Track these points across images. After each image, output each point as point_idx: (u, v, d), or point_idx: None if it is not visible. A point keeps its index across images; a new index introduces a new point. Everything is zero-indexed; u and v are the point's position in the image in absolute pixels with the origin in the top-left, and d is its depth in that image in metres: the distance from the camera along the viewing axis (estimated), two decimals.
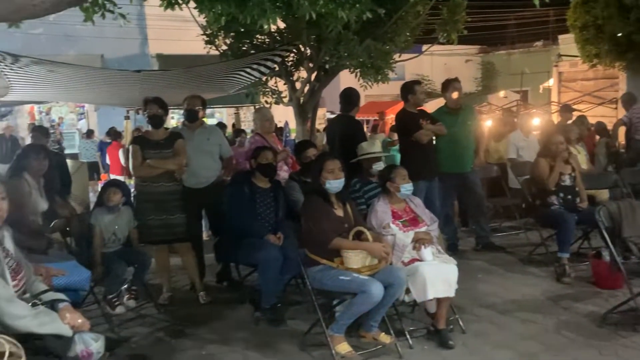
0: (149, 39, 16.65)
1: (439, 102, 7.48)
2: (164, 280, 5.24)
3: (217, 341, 4.26)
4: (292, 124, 10.91)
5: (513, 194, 7.00)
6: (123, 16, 5.35)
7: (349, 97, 5.78)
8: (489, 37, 24.69)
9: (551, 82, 18.44)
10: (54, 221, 4.54)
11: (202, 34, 7.67)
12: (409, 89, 5.84)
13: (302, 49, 7.68)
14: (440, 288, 3.88)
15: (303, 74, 8.12)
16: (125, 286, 4.86)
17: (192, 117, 5.27)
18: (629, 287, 4.31)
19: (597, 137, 9.07)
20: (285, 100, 8.45)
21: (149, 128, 5.17)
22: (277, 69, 7.88)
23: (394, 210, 4.22)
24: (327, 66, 7.89)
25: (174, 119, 14.72)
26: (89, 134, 14.36)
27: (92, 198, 9.01)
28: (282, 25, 7.26)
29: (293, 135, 11.13)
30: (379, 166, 4.88)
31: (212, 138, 5.33)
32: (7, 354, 2.22)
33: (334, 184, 3.91)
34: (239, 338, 4.29)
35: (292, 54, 7.85)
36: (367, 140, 5.44)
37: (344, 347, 3.74)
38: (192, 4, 6.13)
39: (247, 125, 15.21)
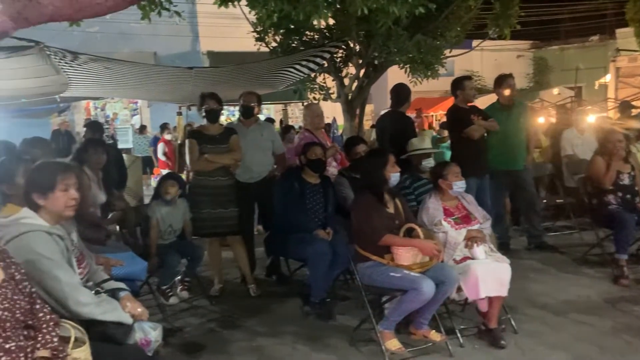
0: (200, 36, 16.94)
1: (490, 99, 7.35)
2: (216, 272, 5.35)
3: (267, 334, 4.32)
4: (340, 120, 10.92)
5: (567, 193, 6.81)
6: (178, 14, 5.48)
7: (400, 93, 5.75)
8: (542, 32, 23.99)
9: (608, 78, 17.81)
10: (112, 213, 4.69)
11: (252, 31, 7.75)
12: (458, 85, 5.77)
13: (351, 45, 7.67)
14: (492, 287, 3.82)
15: (351, 70, 8.12)
16: (179, 277, 4.98)
17: (247, 113, 5.34)
18: None
19: None
20: (334, 96, 8.47)
21: (204, 123, 5.26)
22: (326, 65, 7.90)
23: (445, 208, 4.17)
24: (376, 62, 7.86)
25: (223, 115, 14.94)
26: (142, 129, 14.75)
27: (145, 192, 9.29)
28: (331, 21, 7.28)
29: (340, 132, 11.14)
30: (429, 163, 4.84)
31: (266, 134, 5.41)
32: (72, 338, 2.31)
33: (394, 177, 3.96)
34: (288, 331, 4.34)
35: (341, 50, 7.85)
36: (418, 136, 5.40)
37: (394, 344, 3.73)
38: (243, 2, 6.21)
39: (294, 121, 15.31)
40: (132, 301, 2.79)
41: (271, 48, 7.77)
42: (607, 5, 20.94)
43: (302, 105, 12.94)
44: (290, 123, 13.45)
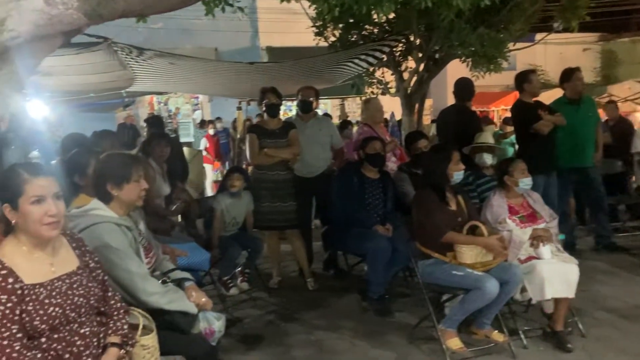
0: (259, 31, 17.12)
1: (554, 93, 7.08)
2: (274, 265, 5.41)
3: (325, 327, 4.33)
4: (398, 115, 10.80)
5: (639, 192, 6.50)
6: (242, 9, 5.54)
7: (465, 87, 5.61)
8: (611, 24, 22.93)
9: None
10: (175, 205, 4.81)
11: (311, 26, 7.76)
12: (524, 78, 5.57)
13: (411, 39, 7.56)
14: (559, 288, 3.68)
15: (411, 64, 8.01)
16: (239, 269, 5.06)
17: (306, 108, 5.36)
18: None
19: None
20: (392, 90, 8.38)
21: (265, 117, 5.32)
22: (385, 59, 7.83)
23: (510, 205, 4.05)
24: (436, 56, 7.73)
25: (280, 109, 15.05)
26: (202, 124, 15.07)
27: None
28: (391, 14, 7.19)
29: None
30: (489, 158, 4.72)
31: (325, 129, 5.42)
32: (140, 326, 2.38)
33: (457, 175, 3.88)
34: (346, 326, 4.33)
35: (400, 44, 7.76)
36: (482, 131, 5.26)
37: (455, 343, 3.66)
38: None
39: (351, 116, 15.25)
40: (197, 291, 2.85)
41: (330, 43, 7.76)
42: None
43: (360, 100, 12.89)
44: (347, 118, 13.42)
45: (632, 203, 6.66)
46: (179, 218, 5.30)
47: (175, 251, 3.51)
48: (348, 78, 8.73)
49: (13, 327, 1.93)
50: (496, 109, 18.50)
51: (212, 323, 2.76)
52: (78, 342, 2.09)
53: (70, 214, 2.57)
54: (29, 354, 1.93)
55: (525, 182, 4.06)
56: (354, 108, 16.34)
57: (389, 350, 3.90)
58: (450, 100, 5.94)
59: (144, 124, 13.38)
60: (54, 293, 2.05)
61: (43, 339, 2.02)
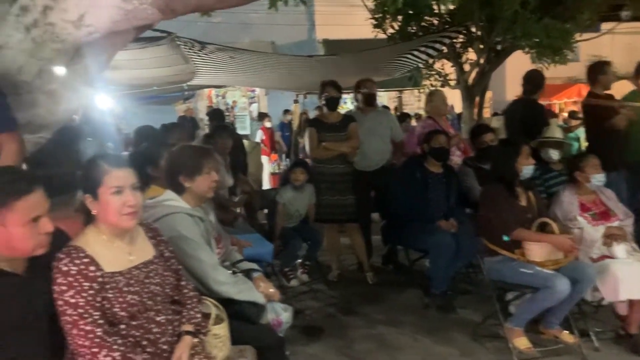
0: (316, 24, 17.14)
1: (621, 86, 6.76)
2: (334, 258, 5.41)
3: (386, 322, 4.30)
4: (457, 108, 10.61)
5: None
6: (304, 2, 5.54)
7: (534, 80, 5.42)
8: None
9: None
10: (238, 196, 4.88)
11: (370, 18, 7.71)
12: (599, 70, 5.33)
13: (473, 30, 7.40)
14: (634, 289, 3.52)
15: (472, 55, 7.85)
16: (299, 261, 5.10)
17: (370, 101, 5.32)
18: None
19: None
20: (452, 83, 8.23)
21: (324, 111, 5.31)
22: (445, 51, 7.69)
23: (581, 202, 3.89)
24: (498, 47, 7.54)
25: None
26: (261, 117, 15.25)
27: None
28: (451, 5, 7.05)
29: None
30: (555, 154, 4.56)
31: (385, 121, 5.37)
32: (213, 315, 2.42)
33: (527, 170, 3.77)
34: (407, 321, 4.29)
35: (461, 36, 7.60)
36: (549, 125, 5.09)
37: (522, 342, 3.55)
38: None
39: (408, 108, 15.07)
40: (265, 282, 2.88)
41: (389, 35, 7.68)
42: None
43: (418, 92, 12.72)
44: (404, 111, 13.28)
45: None
46: (242, 209, 5.37)
47: (240, 242, 3.55)
48: (407, 70, 8.63)
49: (95, 313, 1.99)
50: (558, 102, 17.90)
51: (280, 314, 2.78)
52: (154, 330, 2.14)
53: (145, 205, 2.63)
54: (109, 339, 1.99)
55: (598, 178, 3.89)
56: (411, 100, 16.14)
57: (452, 347, 3.83)
58: (510, 92, 5.80)
59: (203, 117, 13.70)
60: (132, 281, 2.11)
61: (122, 326, 2.07)
